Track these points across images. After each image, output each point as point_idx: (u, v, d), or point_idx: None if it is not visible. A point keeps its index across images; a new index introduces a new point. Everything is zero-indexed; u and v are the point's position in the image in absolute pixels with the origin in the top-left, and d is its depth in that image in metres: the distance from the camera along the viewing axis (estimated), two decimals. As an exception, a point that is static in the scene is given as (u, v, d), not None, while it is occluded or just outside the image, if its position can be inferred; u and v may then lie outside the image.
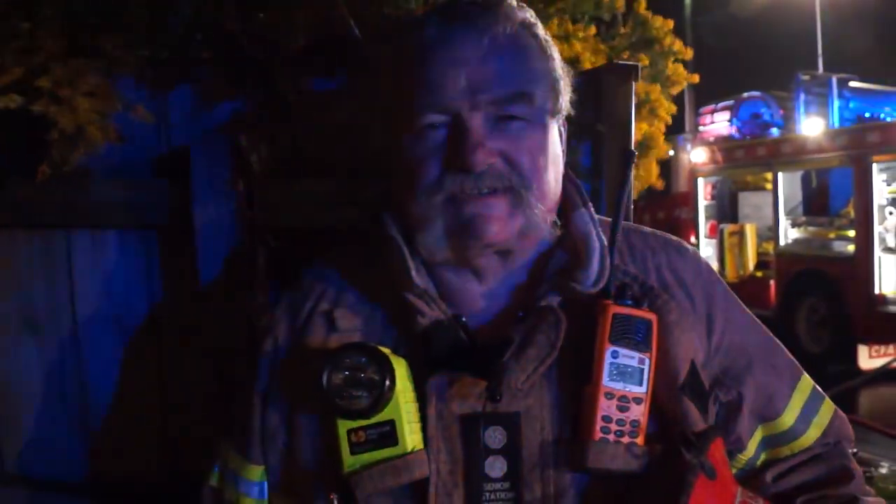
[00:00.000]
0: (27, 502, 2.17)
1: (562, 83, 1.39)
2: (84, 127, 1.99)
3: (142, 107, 2.09)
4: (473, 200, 1.29)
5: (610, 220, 1.40)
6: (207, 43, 2.15)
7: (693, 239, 13.72)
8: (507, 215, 1.30)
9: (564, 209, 1.43)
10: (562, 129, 1.43)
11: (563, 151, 1.43)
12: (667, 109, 3.16)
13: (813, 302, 11.49)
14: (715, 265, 12.96)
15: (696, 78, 3.62)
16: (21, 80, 1.95)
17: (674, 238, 1.51)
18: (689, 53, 3.33)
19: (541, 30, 1.38)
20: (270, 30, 2.12)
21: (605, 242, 1.38)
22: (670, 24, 3.40)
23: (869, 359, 10.44)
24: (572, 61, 2.72)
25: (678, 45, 3.29)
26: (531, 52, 1.34)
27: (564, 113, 1.42)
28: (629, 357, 1.28)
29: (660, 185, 3.42)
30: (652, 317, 1.31)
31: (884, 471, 6.39)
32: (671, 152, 14.42)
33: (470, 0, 1.34)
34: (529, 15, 1.37)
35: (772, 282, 12.23)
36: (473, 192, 1.29)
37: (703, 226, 13.87)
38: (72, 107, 1.96)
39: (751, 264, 12.94)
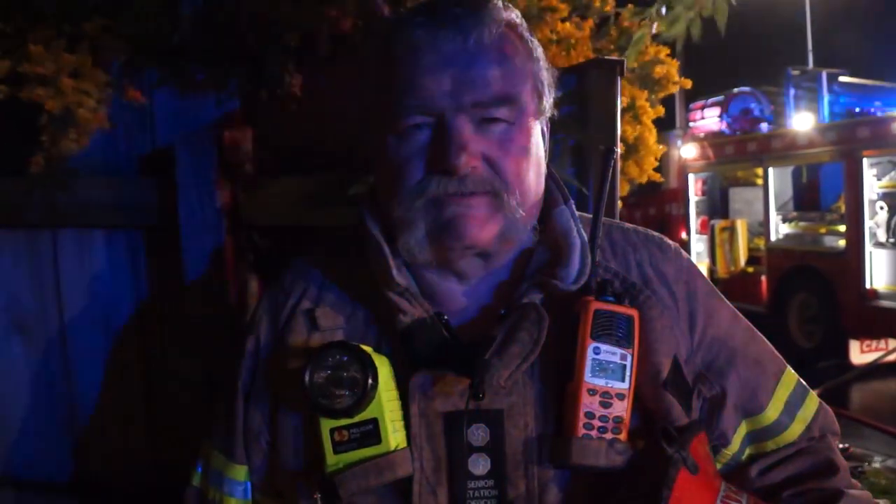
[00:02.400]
0: (15, 502, 2.16)
1: (546, 84, 1.39)
2: (72, 109, 1.98)
3: (132, 88, 2.08)
4: (455, 201, 1.29)
5: (591, 216, 1.40)
6: (196, 36, 2.15)
7: (684, 235, 13.74)
8: (487, 217, 1.30)
9: (545, 206, 1.43)
10: (545, 128, 1.43)
11: (545, 151, 1.43)
12: (651, 116, 3.17)
13: (804, 297, 11.51)
14: (706, 261, 13.01)
15: (688, 83, 3.61)
16: (10, 72, 1.95)
17: (655, 234, 1.51)
18: (675, 64, 3.33)
19: (526, 30, 1.38)
20: (264, 22, 2.11)
21: (586, 239, 1.38)
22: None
23: (860, 354, 10.47)
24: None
25: (664, 52, 3.30)
26: (516, 54, 1.34)
27: (548, 113, 1.42)
28: (611, 353, 1.28)
29: (658, 177, 3.43)
30: (633, 313, 1.31)
31: (876, 465, 6.42)
32: (661, 146, 14.41)
33: (456, 0, 1.34)
34: (515, 15, 1.37)
35: (763, 277, 12.25)
36: (456, 195, 1.29)
37: (694, 222, 13.88)
38: (57, 87, 1.95)
39: (742, 260, 12.97)
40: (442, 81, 1.28)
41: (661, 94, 3.43)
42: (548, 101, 1.40)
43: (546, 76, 1.39)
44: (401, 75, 1.31)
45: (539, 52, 1.39)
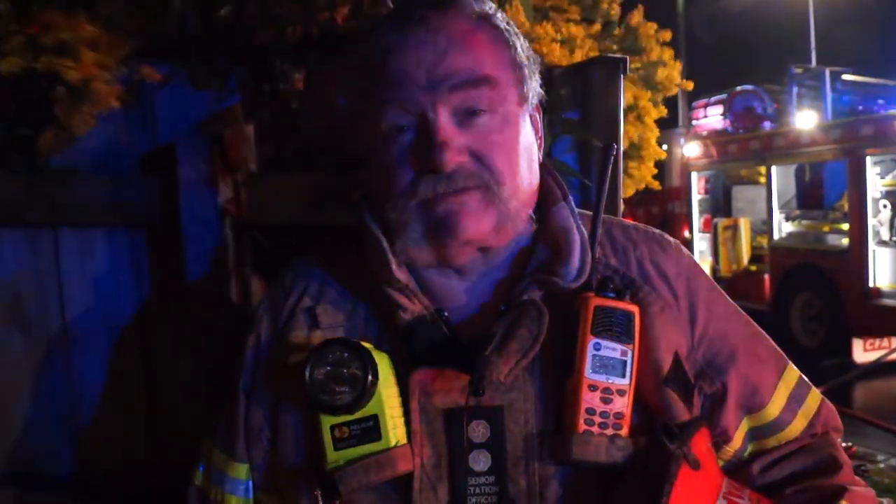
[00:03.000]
0: (15, 501, 2.16)
1: (527, 70, 1.39)
2: (90, 82, 1.98)
3: (148, 67, 2.07)
4: (446, 199, 1.29)
5: (591, 213, 1.40)
6: (197, 34, 2.14)
7: (687, 233, 13.74)
8: (480, 210, 1.30)
9: (544, 203, 1.43)
10: (536, 115, 1.43)
11: (539, 139, 1.43)
12: (653, 116, 3.18)
13: (807, 296, 11.52)
14: (709, 260, 13.02)
15: (690, 85, 3.64)
16: (24, 45, 1.94)
17: (656, 231, 1.51)
18: (677, 67, 3.36)
19: (501, 20, 1.38)
20: (265, 18, 2.11)
21: (586, 236, 1.37)
22: (667, 35, 3.43)
23: (864, 352, 10.48)
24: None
25: (668, 54, 3.31)
26: (491, 42, 1.34)
27: (534, 100, 1.42)
28: (611, 349, 1.28)
29: (655, 185, 3.45)
30: (634, 309, 1.31)
31: (880, 465, 6.42)
32: (664, 146, 14.43)
33: (423, 0, 1.34)
34: (488, 7, 1.37)
35: (766, 276, 12.26)
36: (448, 192, 1.29)
37: (697, 220, 13.90)
38: (77, 58, 1.95)
39: (745, 258, 12.97)
40: (417, 78, 1.29)
41: (664, 95, 3.45)
42: (532, 87, 1.40)
43: (528, 63, 1.39)
44: (377, 79, 1.33)
45: (518, 39, 1.39)
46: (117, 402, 2.22)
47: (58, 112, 1.99)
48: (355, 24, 2.13)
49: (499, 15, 1.38)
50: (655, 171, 3.42)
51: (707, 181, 14.04)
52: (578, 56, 2.74)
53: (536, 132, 1.43)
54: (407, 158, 1.31)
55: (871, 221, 10.58)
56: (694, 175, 13.88)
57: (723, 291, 1.48)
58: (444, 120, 1.28)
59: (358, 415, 1.26)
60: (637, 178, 3.31)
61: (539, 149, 1.44)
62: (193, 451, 1.57)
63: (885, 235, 10.57)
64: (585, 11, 3.14)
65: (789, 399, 1.43)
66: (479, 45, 1.32)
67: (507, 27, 1.38)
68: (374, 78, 1.33)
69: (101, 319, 2.22)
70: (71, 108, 1.98)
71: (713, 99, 13.88)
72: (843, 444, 1.50)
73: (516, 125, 1.35)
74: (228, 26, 2.09)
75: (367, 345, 1.29)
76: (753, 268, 12.78)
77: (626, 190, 3.36)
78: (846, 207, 11.17)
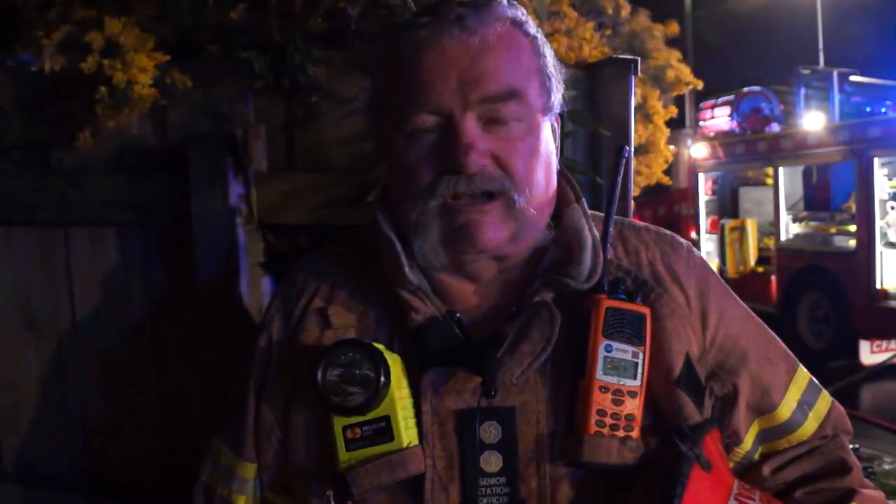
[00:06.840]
0: (26, 500, 2.17)
1: (554, 80, 1.39)
2: (133, 82, 1.98)
3: (177, 70, 2.08)
4: (467, 208, 1.30)
5: (603, 215, 1.40)
6: (211, 32, 2.15)
7: (694, 235, 13.71)
8: (499, 221, 1.31)
9: (558, 205, 1.43)
10: (555, 125, 1.44)
11: (556, 148, 1.43)
12: (662, 117, 3.19)
13: (814, 297, 11.47)
14: (716, 261, 12.97)
15: (699, 83, 3.64)
16: (66, 40, 1.95)
17: (667, 232, 1.51)
18: (686, 71, 3.36)
19: (532, 27, 1.38)
20: (281, 16, 2.11)
21: (598, 237, 1.38)
22: (673, 28, 3.43)
23: (871, 354, 10.42)
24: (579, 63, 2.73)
25: (675, 56, 3.32)
26: (522, 50, 1.35)
27: (557, 110, 1.42)
28: (623, 351, 1.28)
29: (666, 180, 3.46)
30: (645, 310, 1.31)
31: (886, 466, 6.40)
32: (672, 147, 14.41)
33: (460, 0, 1.34)
34: (520, 13, 1.37)
35: (773, 277, 12.21)
36: (466, 193, 1.29)
37: (704, 221, 13.85)
38: (124, 60, 1.95)
39: (752, 260, 12.92)
40: (448, 80, 1.29)
41: (674, 94, 3.45)
42: (556, 97, 1.41)
43: (554, 72, 1.39)
44: (407, 75, 1.32)
45: (547, 48, 1.39)
46: (127, 401, 2.22)
47: (99, 112, 1.99)
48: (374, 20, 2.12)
49: (531, 22, 1.38)
50: (665, 165, 3.42)
51: (714, 182, 14.00)
52: (587, 52, 2.73)
53: (555, 140, 1.43)
54: (429, 158, 1.31)
55: (878, 223, 10.53)
56: (701, 176, 13.84)
57: (734, 294, 1.49)
58: (471, 122, 1.29)
59: (370, 416, 1.27)
60: (646, 174, 3.32)
61: (556, 156, 1.44)
62: (203, 450, 1.58)
63: (893, 237, 10.53)
64: (592, 13, 3.14)
65: (800, 401, 1.43)
66: (511, 52, 1.32)
67: (538, 35, 1.38)
68: (402, 73, 1.33)
69: (111, 317, 2.23)
70: (111, 110, 1.99)
71: (720, 100, 13.86)
72: (851, 446, 1.50)
73: (539, 134, 1.35)
74: (247, 20, 2.09)
75: (379, 346, 1.29)
76: (760, 269, 12.73)
77: (634, 188, 3.36)
78: (853, 209, 11.14)
